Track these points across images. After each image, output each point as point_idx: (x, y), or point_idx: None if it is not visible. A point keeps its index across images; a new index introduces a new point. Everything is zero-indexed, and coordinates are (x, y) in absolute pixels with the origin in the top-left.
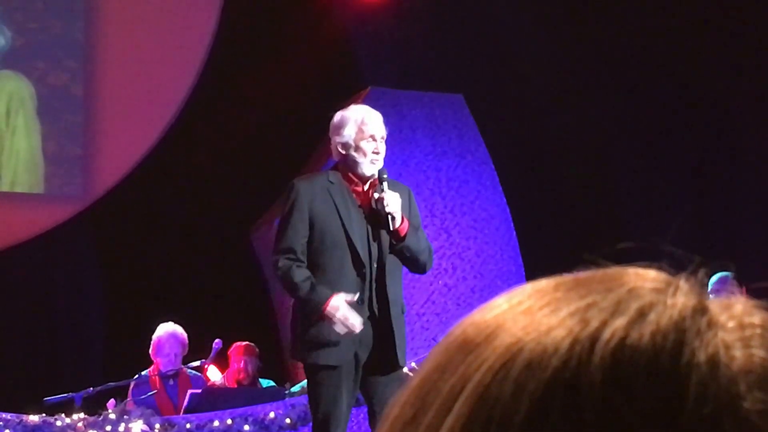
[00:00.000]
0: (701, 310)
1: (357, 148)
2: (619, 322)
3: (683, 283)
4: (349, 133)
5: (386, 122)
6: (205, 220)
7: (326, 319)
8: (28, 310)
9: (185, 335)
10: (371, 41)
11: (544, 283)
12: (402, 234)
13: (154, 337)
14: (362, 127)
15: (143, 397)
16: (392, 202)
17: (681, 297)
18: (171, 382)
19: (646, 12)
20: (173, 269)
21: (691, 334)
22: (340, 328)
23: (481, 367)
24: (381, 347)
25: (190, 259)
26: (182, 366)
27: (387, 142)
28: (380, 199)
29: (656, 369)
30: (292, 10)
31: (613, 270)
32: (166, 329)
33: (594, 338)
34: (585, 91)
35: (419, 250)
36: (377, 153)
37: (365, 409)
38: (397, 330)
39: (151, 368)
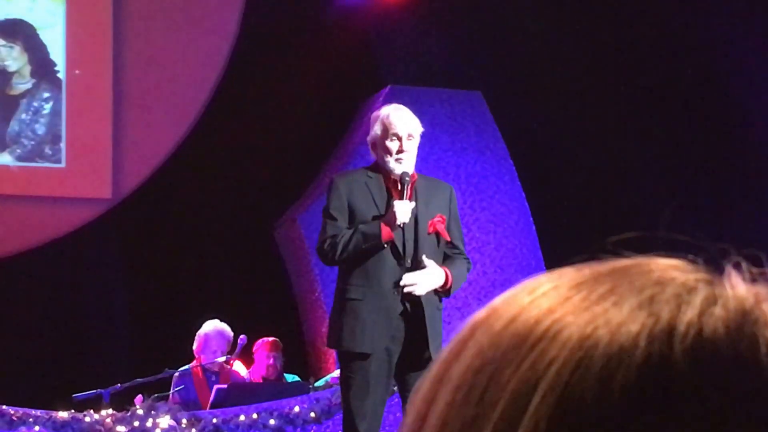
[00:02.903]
0: (760, 301)
1: (382, 147)
2: (689, 315)
3: (736, 276)
4: (376, 132)
5: None
6: (228, 217)
7: (394, 226)
8: (57, 308)
9: (231, 333)
10: (390, 40)
11: (581, 274)
12: (448, 287)
13: (201, 333)
14: (386, 126)
15: (179, 388)
16: (401, 212)
17: (740, 289)
18: (213, 377)
19: (663, 7)
20: (198, 267)
21: (761, 325)
22: (407, 213)
23: (554, 363)
24: (414, 343)
25: (214, 256)
26: (221, 361)
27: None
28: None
29: (738, 359)
30: (313, 10)
31: (641, 260)
32: (215, 326)
33: (670, 332)
34: (602, 85)
35: (463, 280)
36: (402, 152)
37: (393, 399)
38: (431, 327)
39: (193, 363)
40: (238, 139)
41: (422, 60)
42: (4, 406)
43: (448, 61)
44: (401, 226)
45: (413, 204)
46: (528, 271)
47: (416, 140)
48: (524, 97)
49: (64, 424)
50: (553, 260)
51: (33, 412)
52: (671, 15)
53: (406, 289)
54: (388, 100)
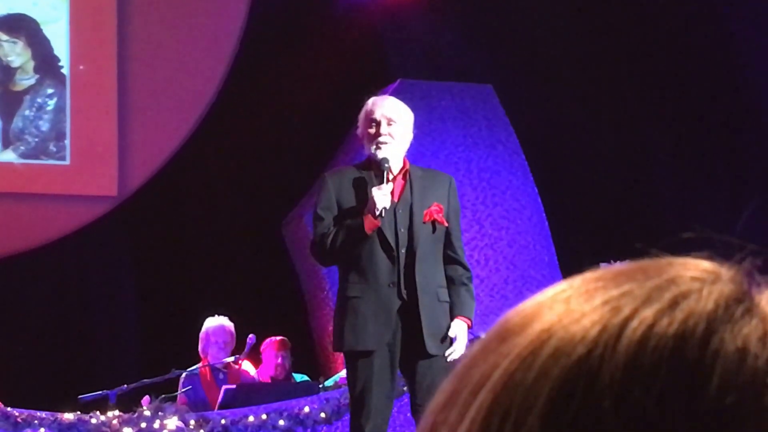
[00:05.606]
0: (739, 298)
1: (366, 136)
2: (650, 310)
3: (725, 272)
4: (359, 124)
5: (416, 114)
6: (235, 215)
7: (374, 213)
8: (62, 308)
9: (232, 325)
10: (400, 33)
11: (591, 274)
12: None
13: (202, 331)
14: (366, 114)
15: (186, 389)
16: (379, 198)
17: (719, 286)
18: (221, 375)
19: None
20: (205, 265)
21: (723, 323)
22: (385, 198)
23: (510, 355)
24: (413, 335)
25: (221, 255)
26: (229, 361)
27: (416, 134)
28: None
29: (680, 357)
30: (321, 2)
31: (663, 260)
32: (214, 321)
33: (623, 326)
34: (616, 78)
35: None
36: (379, 136)
37: (403, 399)
38: (426, 317)
39: (200, 364)
40: (245, 135)
41: (432, 53)
42: (8, 408)
43: (458, 54)
44: (382, 214)
45: (391, 186)
46: (541, 268)
47: (400, 127)
48: (536, 90)
49: (70, 425)
50: (566, 255)
51: (38, 413)
52: (688, 8)
53: (450, 359)
54: (398, 94)
